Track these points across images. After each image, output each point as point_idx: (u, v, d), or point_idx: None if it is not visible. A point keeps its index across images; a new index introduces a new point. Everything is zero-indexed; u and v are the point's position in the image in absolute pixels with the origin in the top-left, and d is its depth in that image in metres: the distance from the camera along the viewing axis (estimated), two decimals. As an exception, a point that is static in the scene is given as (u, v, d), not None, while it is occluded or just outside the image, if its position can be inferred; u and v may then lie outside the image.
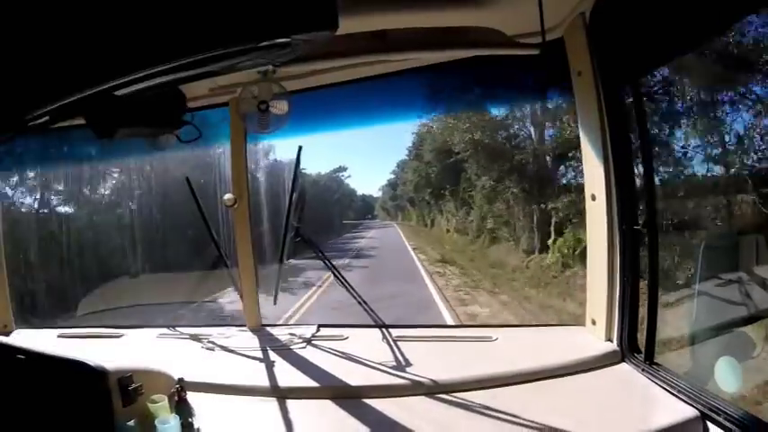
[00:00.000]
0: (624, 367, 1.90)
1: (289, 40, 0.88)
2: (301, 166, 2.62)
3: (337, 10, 0.85)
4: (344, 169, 38.59)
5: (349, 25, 0.86)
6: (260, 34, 0.87)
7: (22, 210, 12.62)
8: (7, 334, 2.81)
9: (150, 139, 2.12)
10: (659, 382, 1.70)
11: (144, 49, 0.94)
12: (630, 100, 1.90)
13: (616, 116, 1.91)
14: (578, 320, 2.32)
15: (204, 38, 0.90)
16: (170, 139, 2.12)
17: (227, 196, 2.47)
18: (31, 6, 0.96)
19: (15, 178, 12.00)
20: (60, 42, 0.97)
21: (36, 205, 13.09)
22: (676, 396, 1.60)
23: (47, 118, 1.28)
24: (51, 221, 13.17)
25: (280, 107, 1.95)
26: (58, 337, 2.75)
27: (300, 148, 2.54)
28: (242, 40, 0.88)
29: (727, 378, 1.66)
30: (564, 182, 13.73)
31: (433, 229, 25.76)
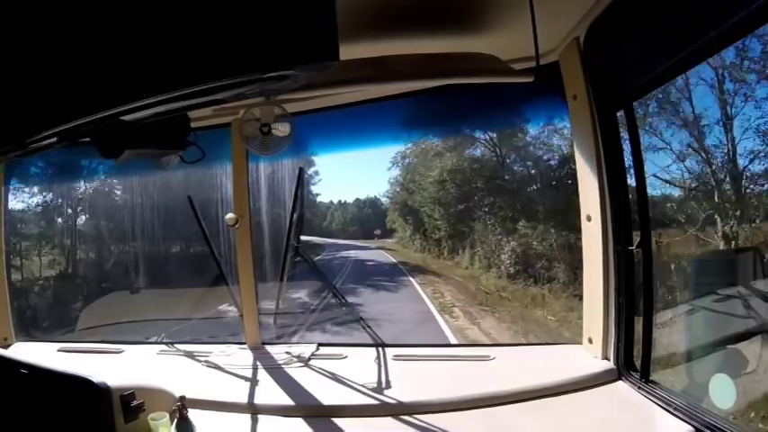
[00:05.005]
0: (621, 385, 1.91)
1: (290, 72, 0.91)
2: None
3: (338, 43, 0.89)
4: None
5: (346, 51, 0.89)
6: (263, 66, 0.90)
7: (26, 223, 12.67)
8: (7, 347, 2.82)
9: (154, 158, 2.15)
10: (655, 400, 1.71)
11: (149, 78, 0.97)
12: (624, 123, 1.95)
13: (611, 138, 1.94)
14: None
15: (208, 69, 0.93)
16: (173, 159, 2.15)
17: (229, 216, 2.50)
18: (41, 32, 1.00)
19: (20, 192, 12.08)
20: (69, 69, 1.01)
21: (39, 218, 13.15)
22: (672, 413, 1.61)
23: (54, 139, 1.32)
24: (54, 235, 13.22)
25: (282, 129, 1.98)
26: (59, 350, 2.76)
27: (301, 169, 2.58)
28: (246, 71, 0.91)
29: (721, 394, 1.68)
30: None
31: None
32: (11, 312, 2.98)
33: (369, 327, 2.46)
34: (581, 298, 2.15)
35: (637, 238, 1.90)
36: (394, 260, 21.86)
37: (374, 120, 2.72)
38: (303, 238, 2.62)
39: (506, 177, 16.62)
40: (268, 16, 0.86)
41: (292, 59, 0.88)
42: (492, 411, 1.82)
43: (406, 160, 21.22)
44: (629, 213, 1.95)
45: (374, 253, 24.77)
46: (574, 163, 2.07)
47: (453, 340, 10.22)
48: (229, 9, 0.87)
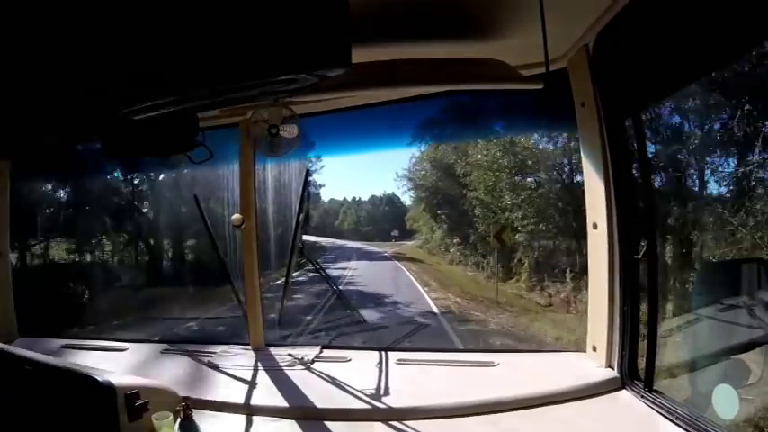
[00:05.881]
0: (624, 394, 1.90)
1: (301, 76, 0.92)
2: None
3: (351, 49, 0.89)
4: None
5: (356, 55, 0.89)
6: (276, 71, 0.90)
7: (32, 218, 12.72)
8: (10, 342, 2.82)
9: (162, 158, 2.16)
10: (659, 410, 1.70)
11: (162, 80, 0.98)
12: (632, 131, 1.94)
13: (618, 146, 1.94)
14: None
15: (220, 72, 0.94)
16: (181, 158, 2.16)
17: (235, 216, 2.50)
18: (54, 31, 1.01)
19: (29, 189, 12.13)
20: (82, 68, 1.02)
21: (45, 215, 13.20)
22: (675, 423, 1.61)
23: (61, 138, 1.33)
24: (60, 231, 13.28)
25: (290, 131, 1.99)
26: (62, 347, 2.77)
27: (308, 171, 2.58)
28: (259, 75, 0.92)
29: (723, 405, 1.67)
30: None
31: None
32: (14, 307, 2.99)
33: (372, 330, 2.46)
34: None
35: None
36: (425, 296, 12.72)
37: (382, 123, 2.72)
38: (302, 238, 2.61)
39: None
40: (282, 21, 0.86)
41: (305, 65, 0.88)
42: (494, 418, 1.81)
43: (435, 130, 13.76)
44: (636, 221, 1.94)
45: (387, 268, 16.48)
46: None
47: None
48: (243, 14, 0.87)
